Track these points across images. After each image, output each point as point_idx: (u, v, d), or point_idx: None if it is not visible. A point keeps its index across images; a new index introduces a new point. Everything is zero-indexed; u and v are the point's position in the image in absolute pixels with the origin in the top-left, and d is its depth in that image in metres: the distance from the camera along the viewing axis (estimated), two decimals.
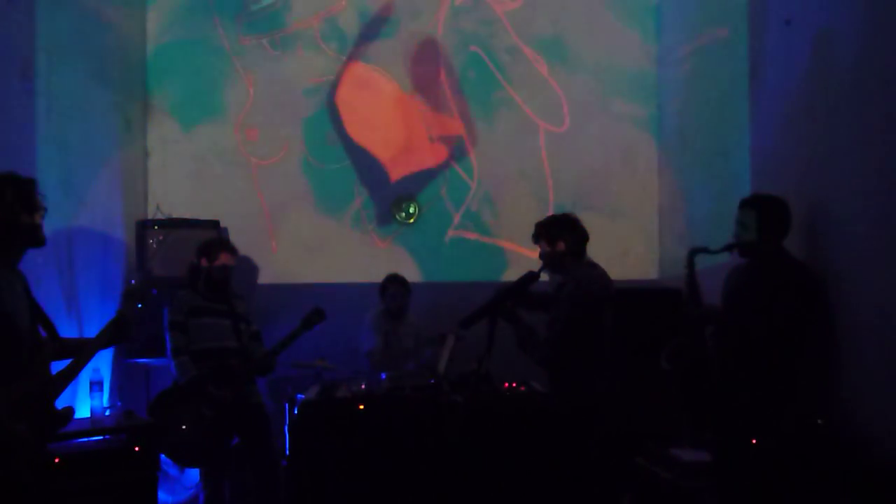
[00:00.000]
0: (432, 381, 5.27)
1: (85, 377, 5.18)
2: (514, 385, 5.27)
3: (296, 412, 5.26)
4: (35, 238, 3.38)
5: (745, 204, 4.23)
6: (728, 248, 4.28)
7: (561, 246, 4.57)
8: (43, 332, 3.49)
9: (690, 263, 4.36)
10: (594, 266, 4.65)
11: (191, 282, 5.31)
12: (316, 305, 5.25)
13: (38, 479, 3.31)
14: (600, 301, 4.50)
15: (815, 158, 4.40)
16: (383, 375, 5.48)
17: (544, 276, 4.63)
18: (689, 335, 4.24)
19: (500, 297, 4.45)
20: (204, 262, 5.26)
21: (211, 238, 5.62)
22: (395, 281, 6.41)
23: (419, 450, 4.88)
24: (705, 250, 4.35)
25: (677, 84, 6.93)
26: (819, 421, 3.97)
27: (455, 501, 4.83)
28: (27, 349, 3.33)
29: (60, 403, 3.43)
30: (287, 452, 5.44)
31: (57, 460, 4.37)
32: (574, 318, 4.41)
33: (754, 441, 3.98)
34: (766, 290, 4.01)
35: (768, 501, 3.98)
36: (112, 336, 3.61)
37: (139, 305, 3.72)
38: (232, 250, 5.34)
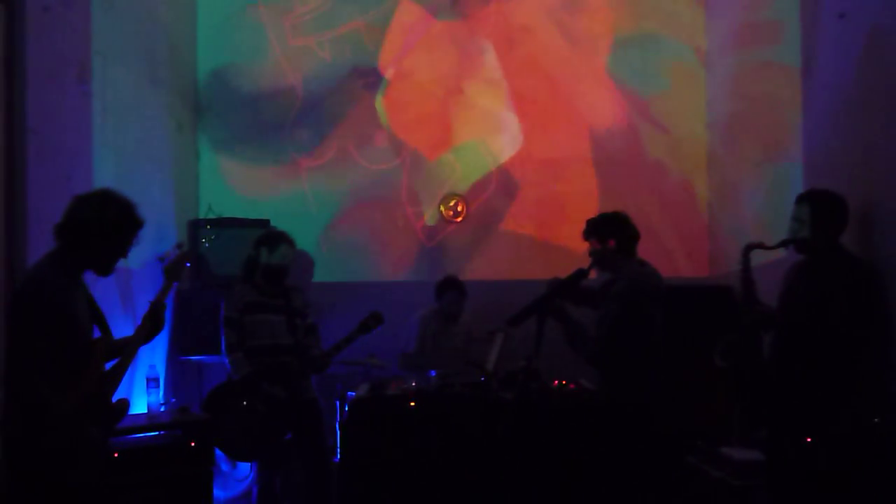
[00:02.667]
0: (482, 379, 5.29)
1: (141, 374, 5.28)
2: (563, 382, 5.27)
3: (347, 409, 5.31)
4: (112, 260, 3.50)
5: (801, 199, 4.17)
6: (783, 243, 4.22)
7: (611, 243, 4.56)
8: (98, 333, 3.58)
9: (745, 260, 4.31)
10: (644, 264, 4.63)
11: (247, 275, 5.34)
12: (374, 310, 5.29)
13: (103, 478, 3.39)
14: (651, 299, 4.48)
15: (870, 153, 4.33)
16: (433, 373, 5.51)
17: (593, 274, 4.63)
18: (743, 332, 4.19)
19: (548, 294, 4.44)
20: (263, 254, 5.30)
21: (270, 230, 5.64)
22: (452, 286, 6.38)
23: (469, 447, 4.89)
24: (761, 246, 4.30)
25: (727, 78, 6.86)
26: (876, 420, 3.91)
27: (505, 498, 4.84)
28: (86, 350, 3.42)
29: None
30: (338, 448, 5.49)
31: (115, 455, 4.46)
32: (624, 317, 4.40)
33: (808, 439, 3.93)
34: (822, 287, 3.96)
35: (821, 501, 3.93)
36: (149, 329, 3.68)
37: (176, 283, 3.81)
38: (291, 242, 5.37)
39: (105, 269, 3.48)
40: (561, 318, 4.49)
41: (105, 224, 3.37)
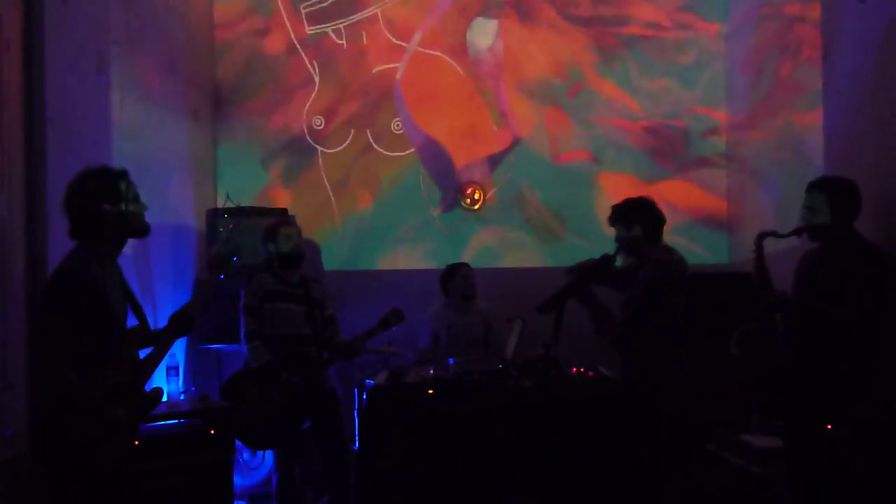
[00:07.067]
0: (500, 367, 5.29)
1: (161, 362, 5.30)
2: (581, 370, 5.25)
3: (365, 397, 5.32)
4: (126, 226, 3.45)
5: (814, 187, 4.14)
6: (797, 231, 4.19)
7: (637, 229, 4.55)
8: (135, 320, 3.59)
9: (759, 248, 4.28)
10: (671, 251, 4.62)
11: (268, 265, 5.38)
12: (394, 306, 5.28)
13: (132, 461, 3.41)
14: (676, 286, 4.47)
15: (891, 138, 4.29)
16: (451, 360, 5.50)
17: (619, 261, 4.61)
18: (759, 320, 4.17)
19: (577, 280, 4.42)
20: (271, 247, 5.34)
21: (268, 224, 5.66)
22: (460, 265, 6.35)
23: (487, 434, 4.89)
24: (773, 234, 4.27)
25: (747, 63, 6.81)
26: (895, 406, 3.89)
27: (524, 485, 4.83)
28: (120, 338, 3.43)
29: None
30: (357, 436, 5.50)
31: (136, 442, 4.48)
32: (649, 302, 4.39)
33: (829, 427, 3.91)
34: (839, 273, 3.93)
35: (841, 488, 3.92)
36: (177, 329, 3.69)
37: (220, 277, 3.78)
38: (290, 223, 5.41)
39: (129, 230, 3.48)
40: (589, 303, 4.48)
41: (89, 194, 3.36)
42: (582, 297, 4.41)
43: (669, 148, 7.28)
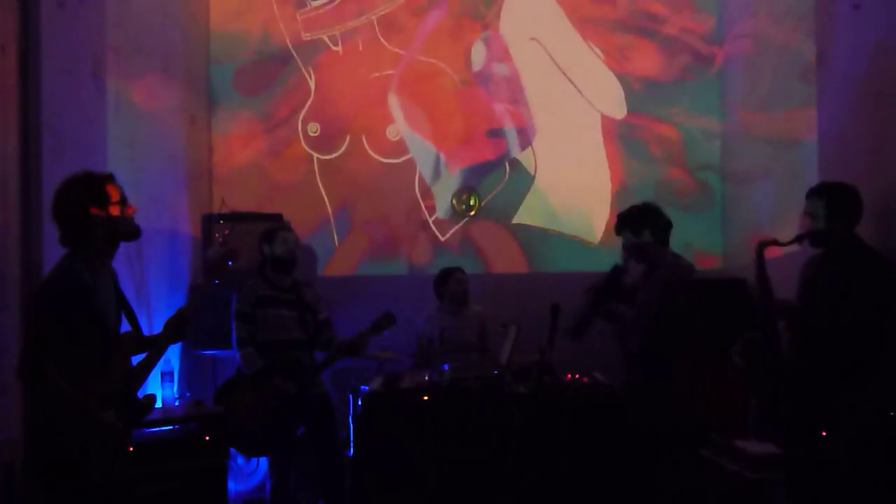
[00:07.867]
0: (495, 372, 5.28)
1: (156, 368, 5.29)
2: (576, 376, 5.26)
3: (360, 403, 5.32)
4: (116, 230, 3.44)
5: (813, 193, 4.14)
6: (798, 239, 4.18)
7: (646, 235, 4.57)
8: (127, 326, 3.59)
9: (759, 257, 4.28)
10: (678, 257, 4.65)
11: (260, 269, 5.39)
12: (386, 310, 5.28)
13: (122, 470, 3.40)
14: (685, 290, 4.49)
15: (885, 145, 4.31)
16: (446, 366, 5.50)
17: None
18: (761, 330, 4.17)
19: (597, 299, 4.46)
20: (266, 248, 5.34)
21: (267, 226, 5.69)
22: (453, 269, 6.35)
23: (483, 440, 4.89)
24: (775, 243, 4.27)
25: (741, 69, 6.83)
26: (892, 413, 3.89)
27: (518, 492, 4.83)
28: (112, 344, 3.42)
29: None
30: (352, 442, 5.50)
31: (130, 448, 4.46)
32: (667, 303, 4.42)
33: (823, 433, 3.91)
34: (840, 279, 3.93)
35: (837, 494, 3.92)
36: (173, 335, 3.68)
37: (216, 281, 3.79)
38: (288, 228, 5.43)
39: (121, 233, 3.46)
40: (614, 319, 4.52)
41: (75, 199, 3.34)
42: (606, 315, 4.46)
43: (663, 153, 7.29)
